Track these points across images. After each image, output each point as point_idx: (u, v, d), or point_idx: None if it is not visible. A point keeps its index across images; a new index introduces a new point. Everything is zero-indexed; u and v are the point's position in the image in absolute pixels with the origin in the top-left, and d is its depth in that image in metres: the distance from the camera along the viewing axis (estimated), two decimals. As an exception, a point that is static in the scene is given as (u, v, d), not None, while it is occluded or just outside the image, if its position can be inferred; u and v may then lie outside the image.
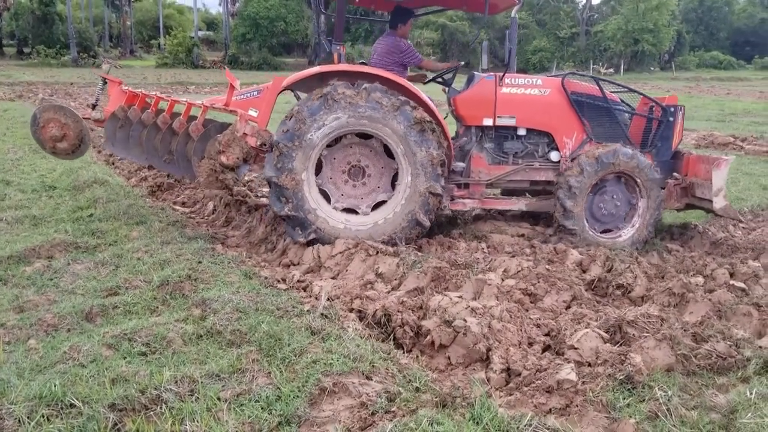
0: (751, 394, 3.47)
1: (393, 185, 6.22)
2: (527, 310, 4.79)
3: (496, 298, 4.83)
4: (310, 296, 4.91)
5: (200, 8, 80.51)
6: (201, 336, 4.10)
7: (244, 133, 5.88)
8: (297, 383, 3.50)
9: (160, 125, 6.40)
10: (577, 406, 3.47)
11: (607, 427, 3.25)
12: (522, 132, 6.60)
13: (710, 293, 4.94)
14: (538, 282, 5.13)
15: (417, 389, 3.52)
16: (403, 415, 3.20)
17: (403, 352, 4.17)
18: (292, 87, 6.49)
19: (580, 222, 6.37)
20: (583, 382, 3.67)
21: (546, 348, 4.29)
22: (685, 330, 4.21)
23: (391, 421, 3.13)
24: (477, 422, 3.13)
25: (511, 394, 3.71)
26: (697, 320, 4.41)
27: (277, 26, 50.64)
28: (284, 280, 5.32)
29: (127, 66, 45.56)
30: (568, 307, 4.90)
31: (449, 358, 4.13)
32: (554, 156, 6.62)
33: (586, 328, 4.23)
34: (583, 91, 6.61)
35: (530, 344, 4.30)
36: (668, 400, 3.41)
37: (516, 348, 4.14)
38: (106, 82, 6.71)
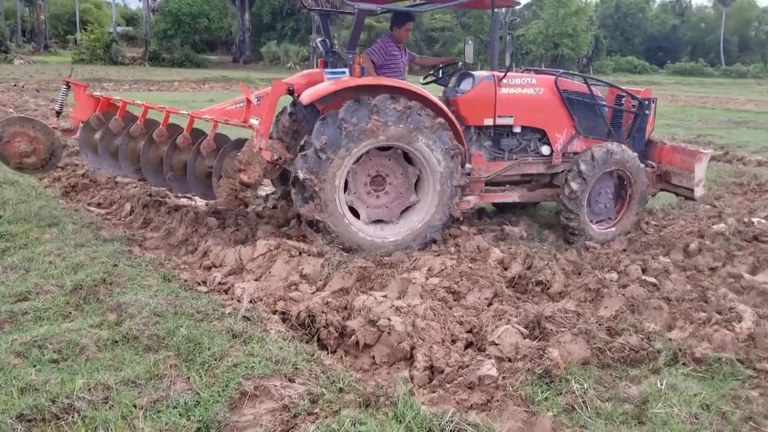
0: (661, 384, 3.63)
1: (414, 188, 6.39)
2: (451, 308, 4.85)
3: (420, 297, 4.86)
4: (232, 299, 4.81)
5: (119, 3, 77.89)
6: (116, 342, 3.94)
7: (260, 148, 5.76)
8: (217, 388, 3.42)
9: (157, 139, 6.16)
10: (497, 401, 3.53)
11: (526, 421, 3.32)
12: (517, 129, 6.86)
13: (624, 288, 5.13)
14: (461, 280, 5.20)
15: (340, 390, 3.50)
16: (326, 417, 3.18)
17: (328, 353, 4.14)
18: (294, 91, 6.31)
19: (582, 209, 6.68)
20: (504, 377, 3.74)
21: (468, 345, 4.35)
22: (600, 324, 4.36)
23: (314, 422, 3.10)
24: (400, 421, 3.14)
25: (434, 392, 3.74)
26: (612, 314, 4.57)
27: (199, 23, 49.52)
28: (205, 283, 5.19)
29: (42, 61, 43.55)
30: (490, 304, 4.99)
31: (374, 357, 4.13)
32: (545, 150, 6.95)
33: (506, 324, 4.32)
34: (573, 89, 6.99)
35: (453, 341, 4.35)
36: (584, 392, 3.52)
37: (439, 345, 4.18)
38: (69, 86, 6.41)
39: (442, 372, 3.91)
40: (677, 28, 79.35)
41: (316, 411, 3.25)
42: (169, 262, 5.66)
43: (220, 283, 5.16)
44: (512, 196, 7.02)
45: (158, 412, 3.20)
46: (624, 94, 7.44)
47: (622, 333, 4.25)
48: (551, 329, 4.26)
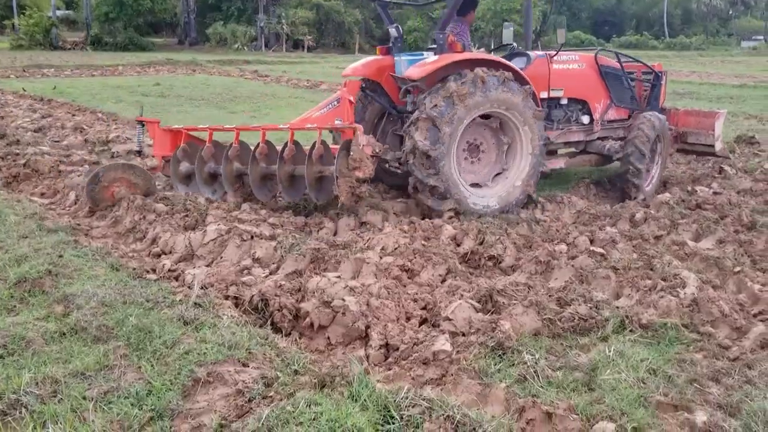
0: (609, 352, 3.73)
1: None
2: (405, 286, 4.88)
3: (374, 276, 4.87)
4: (183, 285, 4.74)
5: (57, -15, 74.98)
6: (64, 334, 3.85)
7: (364, 145, 6.15)
8: (169, 376, 3.37)
9: (259, 157, 6.57)
10: (452, 375, 3.58)
11: (480, 393, 3.37)
12: (564, 101, 7.63)
13: (573, 260, 5.23)
14: (415, 258, 5.23)
15: (295, 372, 3.49)
16: (281, 399, 3.17)
17: (282, 336, 4.13)
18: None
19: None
20: (458, 352, 3.79)
21: (423, 321, 4.39)
22: (550, 295, 4.45)
23: (269, 406, 3.08)
24: (355, 399, 3.15)
25: (390, 369, 3.78)
26: (562, 285, 4.65)
27: (142, 5, 47.98)
28: (154, 270, 5.10)
29: (-24, 48, 41.78)
30: (443, 281, 5.03)
31: (329, 338, 4.14)
32: (585, 119, 7.77)
33: (459, 299, 4.37)
34: (608, 64, 7.92)
35: (408, 319, 4.39)
36: (536, 362, 3.59)
37: (394, 323, 4.21)
38: (143, 125, 6.80)
39: (398, 349, 3.95)
40: (622, 2, 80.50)
41: (270, 394, 3.24)
42: (116, 251, 5.53)
43: (170, 270, 5.07)
44: (560, 162, 7.79)
45: (109, 403, 3.14)
46: (646, 67, 8.42)
47: (571, 303, 4.34)
48: (503, 302, 4.32)
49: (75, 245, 5.44)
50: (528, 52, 7.43)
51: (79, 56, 35.67)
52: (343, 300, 4.20)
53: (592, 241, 5.74)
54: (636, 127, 7.71)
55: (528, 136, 6.80)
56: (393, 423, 2.99)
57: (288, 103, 16.82)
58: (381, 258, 5.20)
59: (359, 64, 7.58)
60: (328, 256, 5.18)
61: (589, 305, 4.30)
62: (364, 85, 7.37)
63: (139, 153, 6.89)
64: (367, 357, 3.93)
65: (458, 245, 5.76)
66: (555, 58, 7.38)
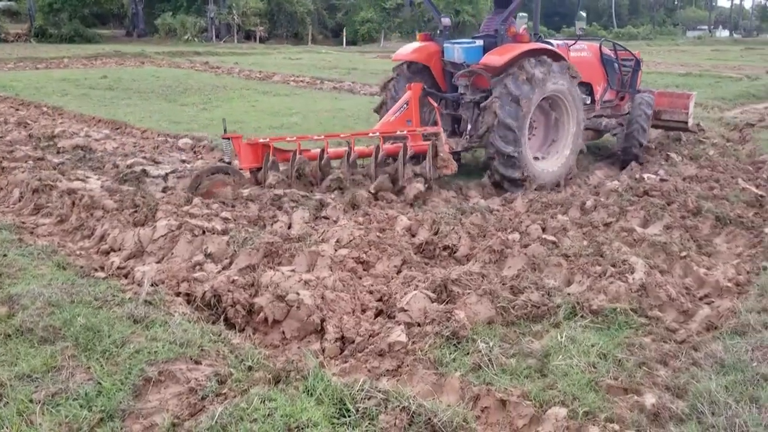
0: (561, 338, 3.79)
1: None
2: (360, 278, 4.87)
3: (329, 269, 4.85)
4: (133, 283, 4.64)
5: (-3, -25, 72.25)
6: (9, 336, 3.72)
7: (445, 144, 7.14)
8: (119, 376, 3.30)
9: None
10: (408, 365, 3.59)
11: (435, 383, 3.39)
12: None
13: (526, 248, 5.29)
14: (370, 249, 5.22)
15: (249, 368, 3.45)
16: (235, 396, 3.13)
17: (236, 332, 4.09)
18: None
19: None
20: (413, 342, 3.81)
21: (379, 313, 4.39)
22: (503, 284, 4.50)
23: (222, 403, 3.04)
24: (310, 394, 3.13)
25: (345, 362, 3.77)
26: (515, 274, 4.71)
27: (88, -5, 46.74)
28: (103, 268, 4.98)
29: None
30: (399, 272, 5.04)
31: (284, 332, 4.10)
32: (588, 100, 8.57)
33: (415, 290, 4.38)
34: (606, 52, 9.03)
35: (364, 311, 4.38)
36: (490, 350, 3.63)
37: (350, 316, 4.20)
38: (230, 140, 7.16)
39: (353, 342, 3.94)
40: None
41: (224, 391, 3.20)
42: (63, 249, 5.38)
43: (119, 267, 4.96)
44: None
45: (57, 405, 3.05)
46: (630, 55, 9.49)
47: (524, 291, 4.39)
48: (458, 292, 4.35)
49: (19, 244, 5.28)
50: (552, 42, 8.25)
51: (22, 49, 34.45)
52: (298, 294, 4.17)
53: (544, 230, 5.82)
54: (637, 107, 9.01)
55: (574, 116, 7.88)
56: (349, 416, 2.99)
57: (240, 95, 16.60)
58: (336, 251, 5.17)
59: (409, 49, 8.40)
60: (282, 249, 5.12)
61: (541, 292, 4.37)
62: (410, 70, 8.29)
63: (229, 164, 7.18)
64: (323, 350, 3.91)
65: (413, 236, 5.78)
66: (572, 47, 8.39)
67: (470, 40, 8.14)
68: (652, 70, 23.93)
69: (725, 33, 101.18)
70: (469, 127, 7.94)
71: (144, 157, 8.87)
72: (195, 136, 10.49)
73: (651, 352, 3.70)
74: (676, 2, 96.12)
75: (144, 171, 7.63)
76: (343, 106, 14.42)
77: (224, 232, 5.44)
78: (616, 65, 9.14)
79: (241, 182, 7.05)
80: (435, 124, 7.84)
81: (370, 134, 7.49)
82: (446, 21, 8.46)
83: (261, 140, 7.32)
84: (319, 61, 30.82)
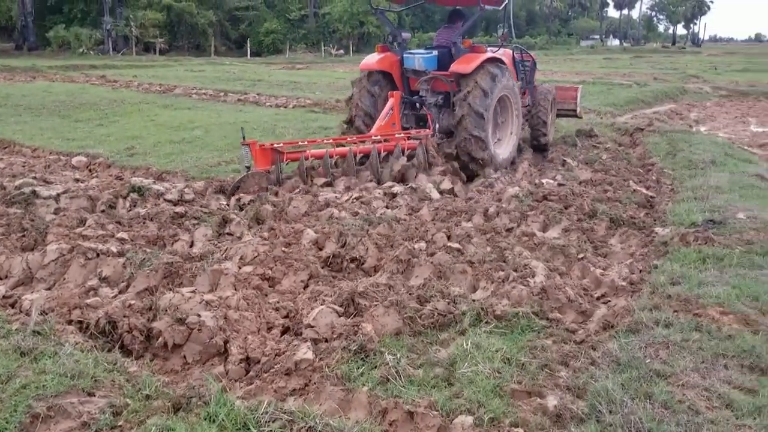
0: (467, 345, 3.83)
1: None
2: (266, 295, 4.76)
3: (233, 288, 4.72)
4: (20, 313, 4.33)
5: None
6: None
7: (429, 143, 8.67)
8: (4, 414, 3.05)
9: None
10: (315, 383, 3.52)
11: (343, 399, 3.34)
12: None
13: (432, 256, 5.34)
14: (276, 265, 5.12)
15: (147, 397, 3.28)
16: (131, 428, 2.96)
17: (133, 360, 3.88)
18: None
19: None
20: (320, 359, 3.74)
21: (285, 330, 4.30)
22: (410, 294, 4.51)
23: (117, 437, 2.88)
24: (212, 420, 3.01)
25: (251, 384, 3.65)
26: (421, 283, 4.73)
27: (-28, 7, 43.98)
28: (-14, 299, 4.63)
29: None
30: (306, 287, 4.97)
31: (185, 357, 3.94)
32: None
33: (321, 305, 4.32)
34: (516, 56, 10.38)
35: (270, 329, 4.28)
36: (397, 362, 3.61)
37: (255, 335, 4.09)
38: (249, 146, 7.61)
39: (259, 362, 3.83)
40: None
41: (119, 423, 3.02)
42: (-60, 280, 4.97)
43: (4, 296, 4.63)
44: None
45: (-70, 454, 2.80)
46: (529, 56, 10.89)
47: (430, 300, 4.42)
48: (365, 305, 4.32)
49: None
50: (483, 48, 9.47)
51: None
52: (199, 315, 4.02)
53: (449, 237, 5.89)
54: (537, 102, 10.52)
55: (517, 110, 9.47)
56: (253, 440, 2.89)
57: (139, 109, 16.00)
58: (240, 268, 5.05)
59: (374, 60, 9.49)
60: (182, 269, 4.94)
61: (447, 300, 4.41)
62: (370, 79, 9.41)
63: (248, 169, 7.62)
64: (227, 373, 3.78)
65: (320, 249, 5.71)
66: (497, 52, 9.29)
67: (427, 51, 9.47)
68: (549, 79, 24.90)
69: (616, 42, 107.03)
70: (437, 125, 9.25)
71: (34, 177, 8.35)
72: (90, 154, 10.01)
73: (552, 353, 3.79)
74: (569, 13, 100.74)
75: (34, 192, 7.17)
76: (248, 119, 14.17)
77: (120, 254, 5.19)
78: (522, 65, 10.52)
79: (269, 182, 7.68)
80: (426, 126, 9.20)
81: (373, 137, 8.49)
82: (406, 35, 9.90)
83: (271, 146, 7.93)
84: (223, 73, 30.27)
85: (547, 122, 10.50)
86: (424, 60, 9.25)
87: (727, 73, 33.60)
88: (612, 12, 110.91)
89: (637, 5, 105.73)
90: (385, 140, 8.45)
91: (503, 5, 9.91)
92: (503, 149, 9.35)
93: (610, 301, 4.79)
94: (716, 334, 3.70)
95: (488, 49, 9.28)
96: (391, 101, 8.97)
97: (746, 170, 8.55)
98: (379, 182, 8.06)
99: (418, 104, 9.55)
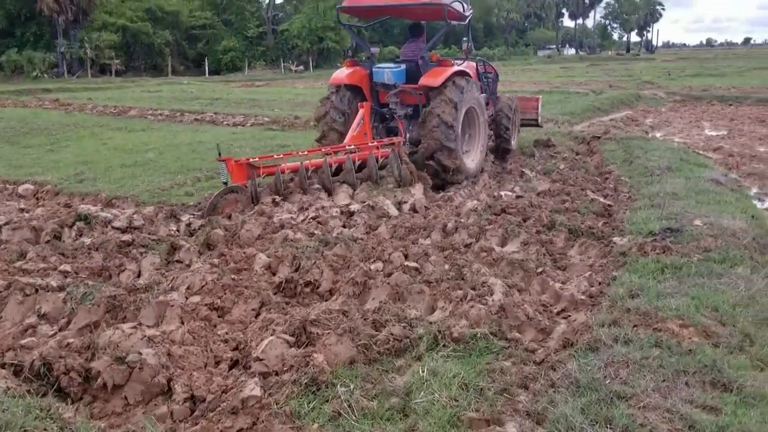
0: (423, 372, 3.67)
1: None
2: (215, 326, 4.56)
3: (180, 320, 4.51)
4: (-52, 358, 4.05)
5: None
6: None
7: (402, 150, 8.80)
8: None
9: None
10: (263, 421, 3.34)
11: (292, 438, 3.16)
12: None
13: (389, 277, 5.19)
14: (225, 294, 4.92)
15: (81, 447, 3.06)
16: (59, 485, 2.74)
17: (70, 404, 3.64)
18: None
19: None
20: (270, 395, 3.55)
21: (234, 364, 4.10)
22: (365, 318, 4.35)
23: (41, 497, 2.65)
24: (150, 470, 2.80)
25: (196, 424, 3.44)
26: (377, 306, 4.57)
27: None
28: None
29: None
30: (257, 315, 4.77)
31: (126, 398, 3.70)
32: None
33: (272, 335, 4.13)
34: (480, 68, 10.84)
35: (217, 363, 4.08)
36: (350, 395, 3.45)
37: (201, 371, 3.89)
38: (225, 162, 7.68)
39: (204, 401, 3.62)
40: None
41: (48, 480, 2.79)
42: None
43: (-67, 341, 4.33)
44: None
45: None
46: (492, 68, 11.34)
47: (386, 324, 4.26)
48: (317, 333, 4.14)
49: None
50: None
51: None
52: (140, 353, 3.79)
53: (406, 256, 5.75)
54: (499, 110, 10.90)
55: (484, 121, 9.86)
56: (192, 491, 2.68)
57: (92, 133, 15.58)
58: (187, 299, 4.83)
59: (344, 74, 9.70)
60: (126, 303, 4.70)
61: (403, 324, 4.25)
62: (338, 93, 9.59)
63: (226, 184, 7.72)
64: (171, 414, 3.56)
65: (273, 274, 5.52)
66: (462, 65, 9.50)
67: (396, 65, 9.74)
68: (509, 89, 25.10)
69: (572, 51, 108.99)
70: (407, 135, 9.58)
71: (-25, 209, 8.02)
72: (37, 181, 9.66)
73: (511, 376, 3.66)
74: (526, 24, 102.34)
75: (-28, 225, 6.86)
76: (204, 139, 13.90)
77: (61, 289, 4.93)
78: (485, 76, 10.90)
79: (246, 197, 7.74)
80: (397, 134, 9.51)
81: (347, 147, 8.57)
82: (375, 50, 10.30)
83: (244, 160, 8.00)
84: (181, 92, 29.85)
85: (510, 130, 10.89)
86: (393, 74, 9.54)
87: (681, 78, 34.30)
88: (567, 22, 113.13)
89: (592, 14, 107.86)
90: (358, 150, 8.56)
91: (467, 20, 10.14)
92: (471, 160, 9.60)
93: (570, 315, 4.69)
94: (676, 349, 3.61)
95: (454, 62, 9.46)
96: (361, 112, 9.18)
97: (701, 175, 8.59)
98: (353, 188, 8.26)
99: (387, 116, 9.88)
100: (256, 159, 8.11)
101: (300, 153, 8.57)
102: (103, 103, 23.50)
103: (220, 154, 7.82)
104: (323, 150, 8.53)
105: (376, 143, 8.76)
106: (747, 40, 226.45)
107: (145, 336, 4.02)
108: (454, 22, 9.91)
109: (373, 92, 9.89)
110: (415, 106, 9.49)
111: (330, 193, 8.08)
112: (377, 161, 8.49)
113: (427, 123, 8.85)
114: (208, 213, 7.30)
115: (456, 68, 9.19)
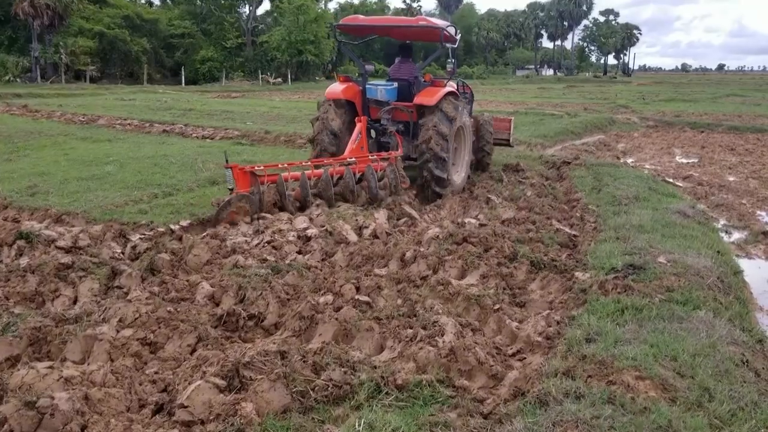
0: (359, 426, 3.39)
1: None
2: (145, 364, 4.26)
3: (108, 356, 4.19)
4: None
5: None
6: None
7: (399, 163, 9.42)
8: None
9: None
10: (179, 480, 3.03)
11: (206, 504, 2.86)
12: None
13: (338, 311, 4.92)
14: (159, 328, 4.60)
15: None
16: None
17: (-31, 455, 3.31)
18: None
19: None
20: (190, 448, 3.25)
21: (159, 409, 3.78)
22: (305, 361, 4.06)
23: None
24: None
25: (107, 480, 3.13)
26: (319, 347, 4.28)
27: None
28: None
29: None
30: (193, 351, 4.47)
31: (34, 448, 3.38)
32: None
33: (201, 379, 3.82)
34: (460, 87, 11.17)
35: (141, 407, 3.77)
36: (277, 451, 3.16)
37: (120, 417, 3.57)
38: (231, 169, 7.84)
39: (119, 453, 3.31)
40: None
41: None
42: None
43: None
44: None
45: None
46: (469, 89, 11.76)
47: (326, 368, 3.98)
48: (250, 377, 3.85)
49: None
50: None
51: None
52: (52, 398, 3.47)
53: (358, 289, 5.48)
54: (481, 127, 11.46)
55: (470, 139, 10.52)
56: None
57: (55, 142, 15.11)
58: (118, 332, 4.51)
59: (339, 89, 10.04)
60: (52, 336, 4.38)
61: (344, 369, 3.98)
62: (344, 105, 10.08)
63: (232, 191, 7.88)
64: (81, 467, 3.25)
65: (216, 305, 5.23)
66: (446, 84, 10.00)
67: (388, 83, 10.20)
68: (485, 108, 25.09)
69: (550, 72, 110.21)
70: (400, 149, 9.93)
71: None
72: (-13, 193, 9.23)
73: (456, 431, 3.40)
74: (505, 44, 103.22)
75: None
76: (169, 152, 13.50)
77: (-19, 319, 4.59)
78: (465, 95, 11.31)
79: (253, 208, 7.83)
80: (388, 149, 9.80)
81: (348, 159, 8.76)
82: (370, 68, 10.64)
83: (248, 168, 8.07)
84: (154, 101, 29.37)
85: (488, 144, 11.58)
86: (387, 91, 10.02)
87: (655, 103, 34.59)
88: (546, 43, 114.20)
89: (570, 36, 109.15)
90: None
91: (456, 43, 10.71)
92: (457, 175, 10.14)
93: (525, 358, 4.46)
94: (630, 407, 3.38)
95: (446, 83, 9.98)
96: (359, 126, 9.50)
97: (669, 206, 8.45)
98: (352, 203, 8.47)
99: (379, 131, 10.21)
100: (261, 167, 8.27)
101: (303, 163, 8.88)
102: (73, 111, 22.97)
103: (227, 161, 8.07)
104: (326, 161, 8.74)
105: (376, 156, 9.11)
106: (721, 66, 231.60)
107: (62, 377, 3.72)
108: (447, 45, 10.26)
109: (365, 108, 10.24)
110: (406, 122, 10.07)
111: (330, 205, 8.26)
112: (375, 174, 8.74)
113: (422, 134, 9.40)
114: (215, 221, 7.64)
115: (449, 89, 9.73)
